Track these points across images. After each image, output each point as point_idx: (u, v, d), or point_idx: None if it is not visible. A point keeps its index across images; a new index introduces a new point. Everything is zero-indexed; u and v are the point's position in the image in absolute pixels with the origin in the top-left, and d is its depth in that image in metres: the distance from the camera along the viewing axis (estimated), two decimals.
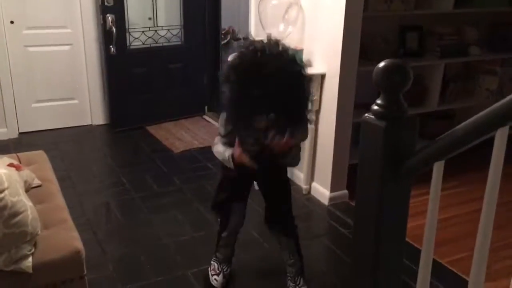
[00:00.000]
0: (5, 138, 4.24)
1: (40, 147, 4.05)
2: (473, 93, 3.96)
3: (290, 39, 3.22)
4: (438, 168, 1.03)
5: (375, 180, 1.07)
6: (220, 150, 2.09)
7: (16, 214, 1.68)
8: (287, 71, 1.80)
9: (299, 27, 3.21)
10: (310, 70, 3.09)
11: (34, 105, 4.38)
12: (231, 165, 2.03)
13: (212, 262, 2.47)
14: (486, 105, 4.00)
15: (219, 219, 2.40)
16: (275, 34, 3.19)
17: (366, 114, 1.09)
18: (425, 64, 3.60)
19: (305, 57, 3.14)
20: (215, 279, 2.41)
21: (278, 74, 1.76)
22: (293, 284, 2.33)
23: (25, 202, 1.75)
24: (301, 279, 2.34)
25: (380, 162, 1.06)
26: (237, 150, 1.99)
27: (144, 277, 2.45)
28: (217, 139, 2.14)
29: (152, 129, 4.52)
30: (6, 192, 1.65)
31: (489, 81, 3.87)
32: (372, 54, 3.44)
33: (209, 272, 2.44)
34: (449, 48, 3.63)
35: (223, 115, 2.05)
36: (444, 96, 3.78)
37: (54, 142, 4.23)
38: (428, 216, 1.08)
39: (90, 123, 4.63)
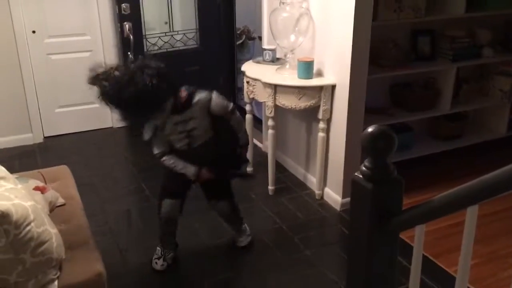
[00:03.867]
0: (31, 143, 4.44)
1: (64, 152, 4.27)
2: (486, 94, 3.97)
3: (301, 49, 3.29)
4: (419, 231, 1.12)
5: (364, 235, 1.17)
6: (179, 166, 2.49)
7: (42, 243, 1.82)
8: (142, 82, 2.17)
9: (310, 38, 3.26)
10: (321, 81, 3.19)
11: (57, 110, 4.56)
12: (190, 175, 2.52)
13: (157, 248, 2.76)
14: (500, 106, 4.03)
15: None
16: (286, 45, 3.27)
17: (356, 174, 1.18)
18: (437, 69, 3.63)
19: (315, 67, 3.22)
20: (155, 262, 2.71)
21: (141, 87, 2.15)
22: (237, 233, 2.90)
23: (50, 231, 1.90)
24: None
25: (368, 219, 1.15)
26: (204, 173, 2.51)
27: (164, 287, 2.60)
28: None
29: None
30: (32, 224, 1.79)
31: (503, 82, 3.86)
32: (383, 59, 3.48)
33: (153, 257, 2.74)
34: (461, 51, 3.63)
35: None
36: (457, 97, 3.80)
37: (77, 146, 4.41)
38: (411, 274, 1.17)
39: (111, 126, 4.79)
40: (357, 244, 1.21)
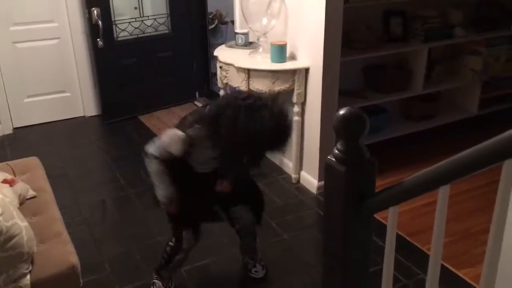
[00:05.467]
0: (0, 134, 4.31)
1: (34, 143, 4.17)
2: (458, 74, 4.01)
3: (274, 33, 3.26)
4: (392, 212, 1.12)
5: (338, 218, 1.16)
6: (157, 181, 2.07)
7: (11, 237, 1.78)
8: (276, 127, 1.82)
9: (282, 21, 3.23)
10: (294, 64, 3.17)
11: (26, 100, 4.43)
12: None
13: (154, 281, 2.42)
14: (471, 85, 4.05)
15: (171, 242, 2.29)
16: (258, 28, 3.23)
17: (329, 157, 1.17)
18: (409, 50, 3.64)
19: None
20: None
21: (270, 130, 1.78)
22: (252, 261, 2.55)
23: (20, 224, 1.84)
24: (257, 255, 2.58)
25: (342, 202, 1.14)
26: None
27: (140, 277, 2.56)
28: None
29: (144, 119, 4.59)
30: (0, 218, 1.74)
31: (474, 61, 3.91)
32: (356, 41, 3.47)
33: None
34: (433, 31, 3.65)
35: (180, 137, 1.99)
36: (429, 78, 3.83)
37: (48, 136, 4.31)
38: (385, 255, 1.17)
39: (83, 115, 4.69)
40: (332, 227, 1.20)
